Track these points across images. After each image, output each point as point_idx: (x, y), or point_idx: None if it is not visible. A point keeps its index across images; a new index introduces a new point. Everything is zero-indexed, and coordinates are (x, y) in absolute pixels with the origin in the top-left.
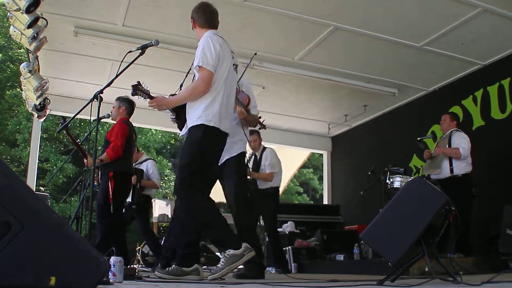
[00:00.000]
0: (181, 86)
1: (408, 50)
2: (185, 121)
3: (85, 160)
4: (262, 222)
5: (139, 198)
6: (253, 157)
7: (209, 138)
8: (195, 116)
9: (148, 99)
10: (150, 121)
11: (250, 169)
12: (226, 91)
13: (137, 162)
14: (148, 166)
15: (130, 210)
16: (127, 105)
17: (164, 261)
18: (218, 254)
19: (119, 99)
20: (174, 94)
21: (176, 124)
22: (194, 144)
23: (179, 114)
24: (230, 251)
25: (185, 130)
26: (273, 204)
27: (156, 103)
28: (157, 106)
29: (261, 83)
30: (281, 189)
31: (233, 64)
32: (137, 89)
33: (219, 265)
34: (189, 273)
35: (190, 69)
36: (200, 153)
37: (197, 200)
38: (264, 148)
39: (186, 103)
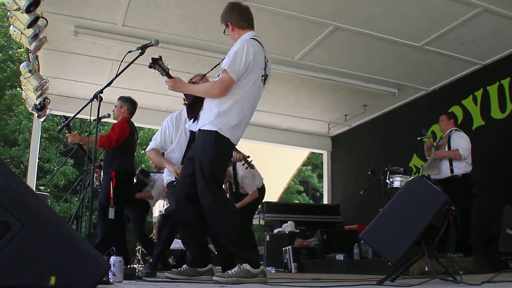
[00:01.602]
0: (204, 75)
1: (408, 50)
2: (197, 114)
3: (68, 135)
4: (262, 222)
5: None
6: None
7: (221, 145)
8: (208, 119)
9: (165, 77)
10: (151, 121)
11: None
12: (248, 104)
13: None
14: (159, 179)
15: (127, 210)
16: (129, 105)
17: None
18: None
19: (122, 98)
20: (194, 82)
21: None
22: (208, 145)
23: (193, 105)
24: (247, 266)
25: (194, 126)
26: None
27: (173, 83)
28: (173, 86)
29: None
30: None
31: (263, 76)
32: (156, 63)
33: (229, 272)
34: (203, 273)
35: (219, 64)
36: (215, 158)
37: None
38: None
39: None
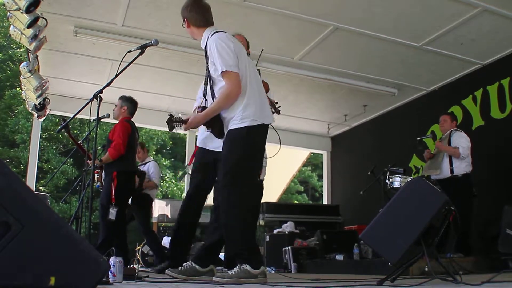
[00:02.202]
0: (204, 95)
1: (408, 50)
2: (220, 129)
3: (89, 161)
4: (262, 222)
5: (138, 199)
6: None
7: (254, 139)
8: (236, 120)
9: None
10: (151, 121)
11: None
12: (253, 84)
13: (141, 163)
14: (149, 166)
15: (129, 209)
16: (130, 105)
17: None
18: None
19: (122, 98)
20: (205, 107)
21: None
22: (237, 147)
23: (213, 125)
24: (247, 267)
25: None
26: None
27: (192, 125)
28: (194, 126)
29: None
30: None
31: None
32: (172, 122)
33: (229, 272)
34: (203, 274)
35: (208, 76)
36: (245, 156)
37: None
38: None
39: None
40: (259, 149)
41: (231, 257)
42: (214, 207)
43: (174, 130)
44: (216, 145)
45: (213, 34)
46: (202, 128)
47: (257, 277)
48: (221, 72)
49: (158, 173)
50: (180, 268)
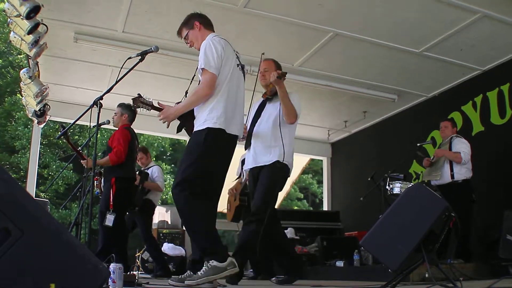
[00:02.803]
0: (186, 93)
1: (408, 56)
2: (192, 128)
3: (82, 161)
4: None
5: (141, 200)
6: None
7: (212, 141)
8: (201, 121)
9: (152, 110)
10: (151, 127)
11: None
12: (232, 92)
13: (144, 168)
14: (153, 170)
15: (132, 215)
16: (130, 113)
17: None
18: None
19: (122, 106)
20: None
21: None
22: (193, 149)
23: (185, 120)
24: (213, 262)
25: None
26: None
27: (164, 115)
28: (166, 118)
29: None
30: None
31: (238, 65)
32: (138, 101)
33: (198, 273)
34: (225, 268)
35: (195, 75)
36: (200, 159)
37: (192, 206)
38: None
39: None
40: (217, 153)
41: (197, 260)
42: None
43: (137, 109)
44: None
45: (212, 37)
46: (246, 156)
47: (227, 269)
48: (201, 68)
49: (162, 176)
50: (179, 276)
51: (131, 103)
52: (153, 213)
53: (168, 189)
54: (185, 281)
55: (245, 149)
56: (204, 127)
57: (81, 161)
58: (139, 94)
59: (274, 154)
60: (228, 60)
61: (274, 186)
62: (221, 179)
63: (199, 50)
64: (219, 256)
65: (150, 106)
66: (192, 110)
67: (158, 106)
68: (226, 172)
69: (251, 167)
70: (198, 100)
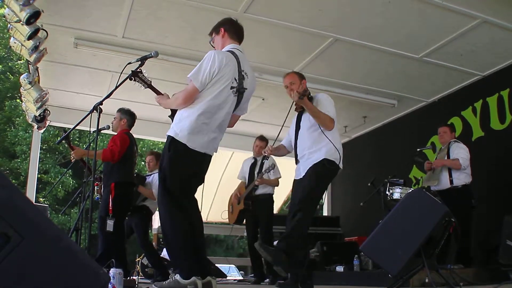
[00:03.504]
0: None
1: (408, 61)
2: None
3: (72, 153)
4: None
5: (134, 203)
6: (254, 162)
7: (174, 154)
8: (171, 126)
9: (148, 89)
10: (151, 132)
11: (257, 174)
12: (211, 111)
13: (149, 173)
14: (154, 177)
15: (129, 221)
16: (129, 117)
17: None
18: (218, 266)
19: (121, 111)
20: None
21: None
22: (164, 151)
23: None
24: (178, 276)
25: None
26: (269, 212)
27: (158, 100)
28: (159, 104)
29: (261, 94)
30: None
31: (233, 87)
32: (136, 75)
33: (164, 282)
34: (185, 286)
35: None
36: (166, 165)
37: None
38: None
39: None
40: (180, 167)
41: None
42: None
43: (133, 83)
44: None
45: (224, 50)
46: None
47: (186, 287)
48: (188, 77)
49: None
50: (163, 282)
51: (131, 74)
52: (151, 219)
53: None
54: (153, 284)
55: (296, 164)
56: (169, 134)
57: (71, 152)
58: (140, 69)
59: (319, 154)
60: (222, 80)
61: (316, 179)
62: (189, 191)
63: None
64: (183, 273)
65: (147, 84)
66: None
67: (157, 89)
68: (195, 186)
69: (297, 178)
70: (173, 106)
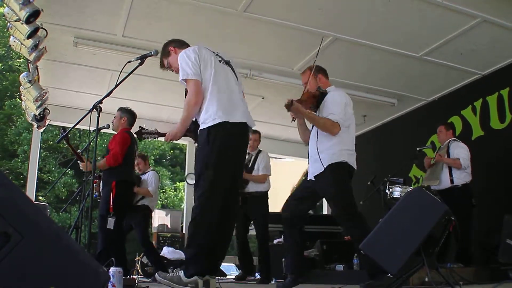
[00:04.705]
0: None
1: (408, 60)
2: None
3: (82, 164)
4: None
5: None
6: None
7: (216, 135)
8: (201, 124)
9: (160, 137)
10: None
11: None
12: (221, 85)
13: (141, 173)
14: (149, 176)
15: (128, 220)
16: (129, 116)
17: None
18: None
19: (121, 109)
20: None
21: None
22: (201, 145)
23: (194, 135)
24: (181, 273)
25: None
26: (264, 211)
27: (170, 137)
28: (173, 139)
29: (260, 93)
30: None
31: (220, 60)
32: (141, 134)
33: (168, 274)
34: (186, 284)
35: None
36: (207, 154)
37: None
38: (260, 150)
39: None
40: (225, 148)
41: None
42: None
43: (148, 140)
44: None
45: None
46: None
47: (187, 286)
48: (182, 80)
49: (155, 182)
50: (169, 274)
51: (137, 137)
52: (150, 217)
53: (169, 193)
54: (155, 274)
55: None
56: (205, 127)
57: (80, 164)
58: (140, 127)
59: (322, 161)
60: (207, 61)
61: (337, 188)
62: (239, 171)
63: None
64: (187, 271)
65: (155, 134)
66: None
67: (161, 132)
68: (242, 162)
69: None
70: (192, 110)
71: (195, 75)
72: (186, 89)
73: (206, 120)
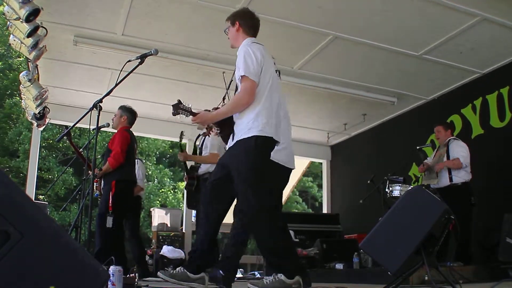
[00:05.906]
0: (223, 99)
1: (407, 59)
2: (229, 134)
3: (89, 172)
4: None
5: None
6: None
7: (262, 148)
8: (245, 129)
9: (190, 116)
10: (150, 130)
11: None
12: (274, 98)
13: None
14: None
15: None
16: (129, 115)
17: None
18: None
19: (122, 108)
20: (217, 108)
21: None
22: (248, 153)
23: (223, 127)
24: (282, 276)
25: (231, 143)
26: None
27: (200, 119)
28: (201, 122)
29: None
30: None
31: (276, 70)
32: (178, 108)
33: (263, 281)
34: (194, 280)
35: (231, 81)
36: (255, 163)
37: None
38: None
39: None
40: (264, 163)
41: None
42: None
43: (178, 116)
44: None
45: (250, 42)
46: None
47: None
48: (240, 76)
49: (142, 173)
50: (172, 271)
51: (172, 109)
52: (141, 207)
53: (168, 192)
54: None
55: None
56: (251, 135)
57: (89, 171)
58: (179, 100)
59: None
60: (268, 66)
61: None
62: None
63: (234, 48)
64: (287, 272)
65: (189, 112)
66: (229, 119)
67: (194, 112)
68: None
69: None
70: (238, 108)
71: (256, 76)
72: (236, 86)
73: (253, 128)
